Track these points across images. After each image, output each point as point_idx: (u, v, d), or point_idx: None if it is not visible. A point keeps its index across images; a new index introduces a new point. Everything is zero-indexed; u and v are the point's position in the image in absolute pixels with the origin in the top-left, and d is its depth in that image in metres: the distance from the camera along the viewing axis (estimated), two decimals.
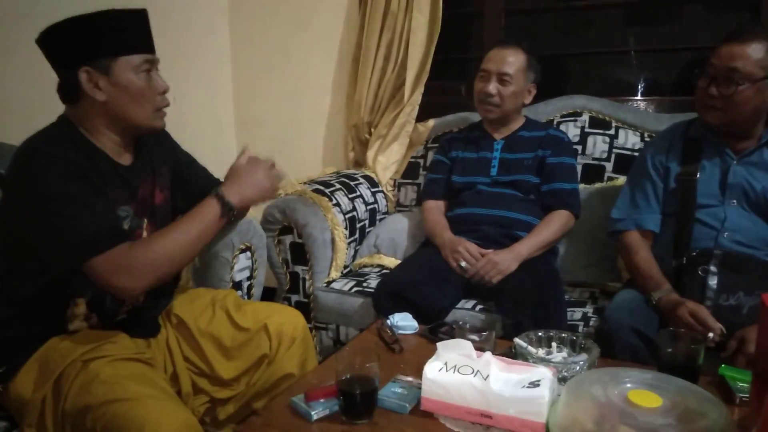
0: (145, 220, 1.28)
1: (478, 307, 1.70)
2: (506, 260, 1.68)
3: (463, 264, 1.70)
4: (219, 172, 1.38)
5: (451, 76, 2.45)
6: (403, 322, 1.32)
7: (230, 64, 2.69)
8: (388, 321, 1.33)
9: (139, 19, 1.20)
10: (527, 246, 1.73)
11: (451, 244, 1.76)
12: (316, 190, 1.94)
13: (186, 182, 1.43)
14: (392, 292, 1.64)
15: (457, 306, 1.70)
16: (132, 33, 1.17)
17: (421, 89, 2.27)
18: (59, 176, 1.07)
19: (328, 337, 1.89)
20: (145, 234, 1.27)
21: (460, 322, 1.21)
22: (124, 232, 1.14)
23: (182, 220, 1.20)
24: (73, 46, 1.14)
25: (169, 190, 1.38)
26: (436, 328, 1.31)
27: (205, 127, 2.61)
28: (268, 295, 1.99)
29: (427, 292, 1.63)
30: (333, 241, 1.90)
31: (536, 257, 1.73)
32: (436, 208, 1.97)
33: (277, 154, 2.61)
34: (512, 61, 1.84)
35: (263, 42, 2.61)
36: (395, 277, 1.74)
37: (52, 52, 1.16)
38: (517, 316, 1.52)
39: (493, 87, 1.85)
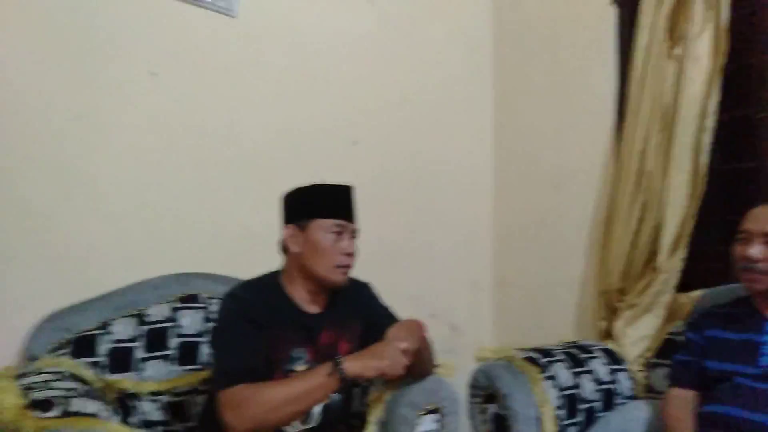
0: None
1: None
2: None
3: None
4: None
5: (720, 239, 2.01)
6: None
7: (492, 227, 2.79)
8: None
9: (340, 193, 1.42)
10: None
11: None
12: (528, 358, 1.76)
13: (380, 332, 1.51)
14: None
15: None
16: (331, 203, 1.40)
17: (680, 254, 1.94)
18: (234, 316, 1.29)
19: None
20: None
21: None
22: (255, 373, 1.24)
23: (295, 376, 1.28)
24: (289, 208, 1.42)
25: (358, 343, 1.47)
26: None
27: (460, 288, 2.69)
28: None
29: None
30: (540, 420, 1.65)
31: None
32: (680, 399, 1.56)
33: (528, 316, 2.61)
34: None
35: (521, 202, 2.66)
36: None
37: (282, 212, 1.44)
38: None
39: (756, 250, 1.47)
